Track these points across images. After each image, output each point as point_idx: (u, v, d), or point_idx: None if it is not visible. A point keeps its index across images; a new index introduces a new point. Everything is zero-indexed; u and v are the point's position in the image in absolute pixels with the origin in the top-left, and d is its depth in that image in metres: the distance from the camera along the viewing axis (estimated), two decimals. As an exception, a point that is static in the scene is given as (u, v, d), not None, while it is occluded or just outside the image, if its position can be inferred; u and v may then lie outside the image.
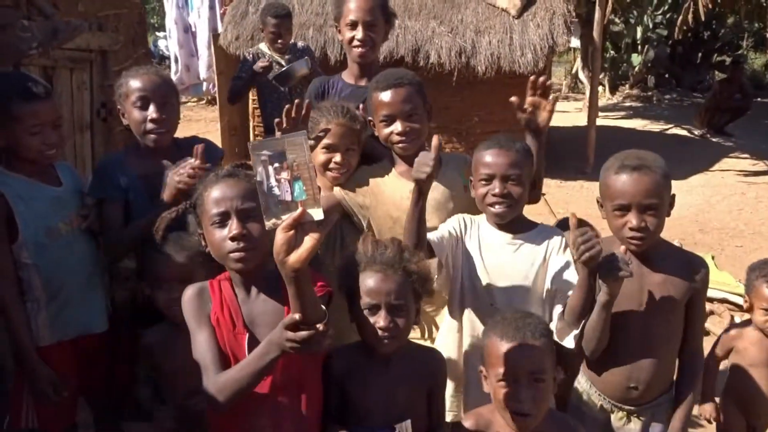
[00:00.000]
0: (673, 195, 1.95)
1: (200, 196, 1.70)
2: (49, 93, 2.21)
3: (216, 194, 1.65)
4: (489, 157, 2.05)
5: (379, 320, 1.74)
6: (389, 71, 2.35)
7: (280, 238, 1.30)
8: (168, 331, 2.05)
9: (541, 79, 2.16)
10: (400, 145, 2.24)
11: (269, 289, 1.67)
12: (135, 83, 2.25)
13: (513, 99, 2.17)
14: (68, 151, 3.34)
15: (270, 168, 1.30)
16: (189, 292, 1.71)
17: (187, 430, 2.00)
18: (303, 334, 1.40)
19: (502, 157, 2.03)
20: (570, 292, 1.98)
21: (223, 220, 1.64)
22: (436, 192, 2.19)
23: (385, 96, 2.22)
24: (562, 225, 2.53)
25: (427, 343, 2.21)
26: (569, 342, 1.95)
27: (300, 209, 1.29)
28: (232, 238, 1.61)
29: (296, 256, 1.30)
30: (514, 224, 2.12)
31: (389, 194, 2.27)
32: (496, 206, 2.04)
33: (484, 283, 2.10)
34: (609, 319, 1.90)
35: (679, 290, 1.98)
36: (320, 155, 2.28)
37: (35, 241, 2.12)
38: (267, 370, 1.54)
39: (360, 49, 2.59)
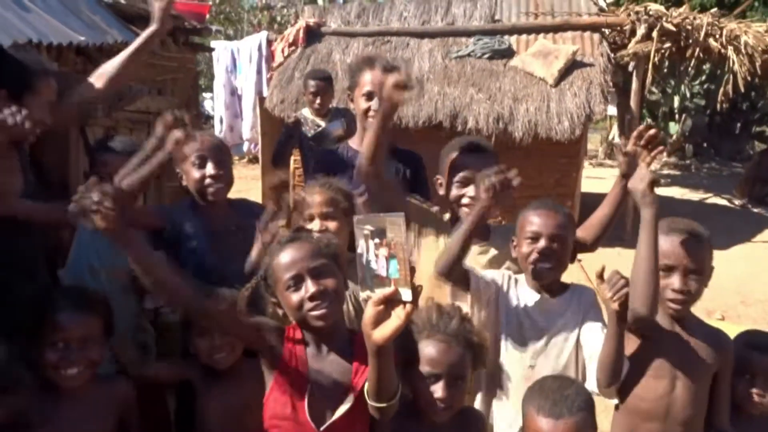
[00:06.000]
0: (712, 267, 1.96)
1: (269, 266, 1.74)
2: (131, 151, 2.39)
3: (286, 259, 1.69)
4: (536, 217, 2.09)
5: (438, 390, 1.73)
6: (466, 137, 2.47)
7: (370, 311, 1.38)
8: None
9: (651, 132, 2.09)
10: (466, 210, 2.27)
11: (339, 348, 1.73)
12: (192, 144, 2.36)
13: (618, 142, 2.15)
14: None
15: (370, 242, 1.36)
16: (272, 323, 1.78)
17: None
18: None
19: (550, 218, 2.08)
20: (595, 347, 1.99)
21: (297, 282, 1.68)
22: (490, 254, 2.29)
23: (465, 159, 2.32)
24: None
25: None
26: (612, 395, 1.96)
27: (393, 287, 1.35)
28: (311, 298, 1.65)
29: (381, 333, 1.38)
30: (552, 287, 2.13)
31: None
32: (539, 264, 2.06)
33: (521, 343, 2.11)
34: (623, 339, 1.87)
35: (710, 357, 1.97)
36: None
37: None
38: None
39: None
